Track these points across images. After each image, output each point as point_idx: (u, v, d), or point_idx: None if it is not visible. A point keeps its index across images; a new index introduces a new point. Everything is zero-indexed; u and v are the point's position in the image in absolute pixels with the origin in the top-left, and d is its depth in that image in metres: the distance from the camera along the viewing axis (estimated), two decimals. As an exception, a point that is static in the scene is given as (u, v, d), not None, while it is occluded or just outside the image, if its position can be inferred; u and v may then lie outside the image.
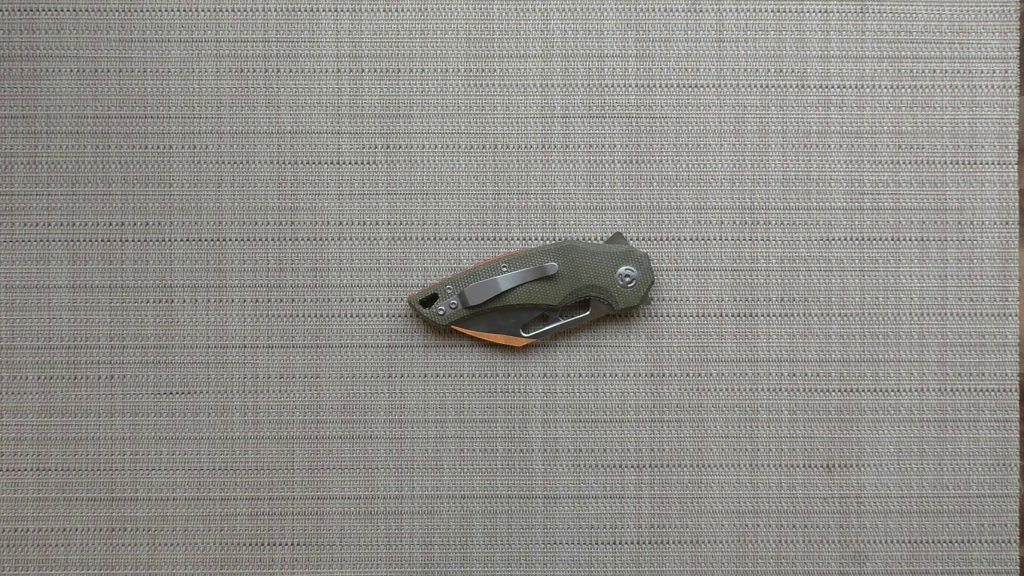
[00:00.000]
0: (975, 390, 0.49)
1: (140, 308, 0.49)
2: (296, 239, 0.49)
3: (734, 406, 0.49)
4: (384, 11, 0.49)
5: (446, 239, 0.49)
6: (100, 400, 0.49)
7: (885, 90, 0.49)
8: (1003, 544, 0.50)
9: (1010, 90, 0.49)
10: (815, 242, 0.49)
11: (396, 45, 0.49)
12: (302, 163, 0.49)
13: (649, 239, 0.49)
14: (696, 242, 0.49)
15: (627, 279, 0.47)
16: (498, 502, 0.49)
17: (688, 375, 0.49)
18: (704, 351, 0.49)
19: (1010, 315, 0.49)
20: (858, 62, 0.49)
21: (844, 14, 0.49)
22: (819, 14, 0.49)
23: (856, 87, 0.49)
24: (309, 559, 0.49)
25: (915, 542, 0.50)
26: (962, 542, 0.50)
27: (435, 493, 0.49)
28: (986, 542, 0.50)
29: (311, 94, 0.49)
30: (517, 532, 0.49)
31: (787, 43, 0.49)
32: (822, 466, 0.50)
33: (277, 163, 0.49)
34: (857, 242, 0.49)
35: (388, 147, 0.49)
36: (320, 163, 0.49)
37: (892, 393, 0.49)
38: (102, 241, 0.49)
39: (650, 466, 0.49)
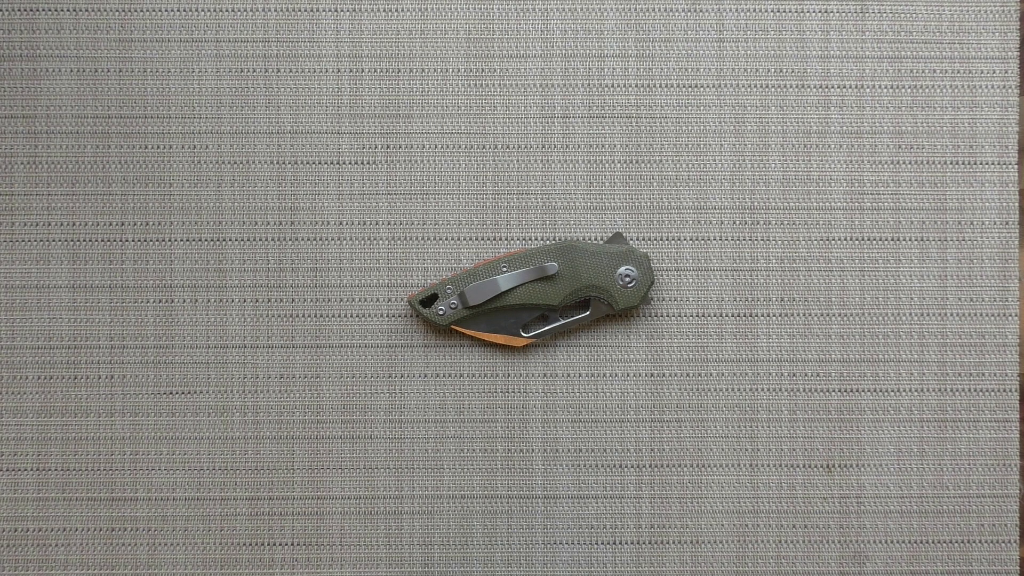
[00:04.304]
0: (975, 390, 0.49)
1: (140, 308, 0.49)
2: (296, 239, 0.49)
3: (734, 406, 0.49)
4: (384, 11, 0.49)
5: (446, 239, 0.49)
6: (100, 400, 0.49)
7: (885, 90, 0.49)
8: (1003, 544, 0.50)
9: (1010, 90, 0.49)
10: (815, 242, 0.49)
11: (396, 45, 0.49)
12: (302, 163, 0.49)
13: (649, 239, 0.49)
14: (696, 242, 0.49)
15: (627, 279, 0.47)
16: (498, 502, 0.49)
17: (688, 375, 0.49)
18: (704, 351, 0.49)
19: (1010, 315, 0.49)
20: (858, 62, 0.49)
21: (844, 14, 0.49)
22: (819, 14, 0.49)
23: (856, 87, 0.49)
24: (309, 559, 0.49)
25: (915, 542, 0.50)
26: (962, 542, 0.50)
27: (435, 493, 0.49)
28: (986, 542, 0.50)
29: (311, 94, 0.49)
30: (517, 532, 0.49)
31: (787, 43, 0.49)
32: (822, 466, 0.50)
33: (277, 163, 0.49)
34: (857, 242, 0.49)
35: (388, 147, 0.49)
36: (320, 163, 0.49)
37: (892, 393, 0.49)
38: (102, 241, 0.49)
39: (650, 466, 0.49)
